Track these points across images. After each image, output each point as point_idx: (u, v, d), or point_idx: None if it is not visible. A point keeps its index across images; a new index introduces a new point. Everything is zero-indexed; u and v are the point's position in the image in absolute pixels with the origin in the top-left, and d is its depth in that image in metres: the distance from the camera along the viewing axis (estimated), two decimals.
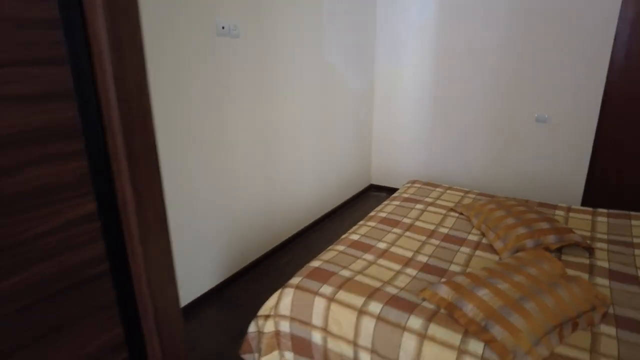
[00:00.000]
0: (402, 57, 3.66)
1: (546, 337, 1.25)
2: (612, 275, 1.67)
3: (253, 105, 2.42)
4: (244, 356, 1.67)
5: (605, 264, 1.76)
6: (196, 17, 1.93)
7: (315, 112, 3.04)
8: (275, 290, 1.78)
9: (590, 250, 1.85)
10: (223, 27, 2.04)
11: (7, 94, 0.74)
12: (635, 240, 1.95)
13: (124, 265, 1.01)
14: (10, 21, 0.73)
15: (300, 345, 1.54)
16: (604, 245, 1.92)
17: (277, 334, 1.58)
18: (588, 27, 2.92)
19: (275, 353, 1.59)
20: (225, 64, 2.15)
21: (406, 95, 3.74)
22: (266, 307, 1.61)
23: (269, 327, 1.58)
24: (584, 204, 3.28)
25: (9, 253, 0.79)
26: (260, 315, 1.61)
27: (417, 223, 2.17)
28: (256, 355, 1.63)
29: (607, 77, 3.02)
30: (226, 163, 2.29)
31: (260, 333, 1.60)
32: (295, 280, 1.62)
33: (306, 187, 3.09)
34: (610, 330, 1.34)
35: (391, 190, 3.94)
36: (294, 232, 3.03)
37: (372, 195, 3.98)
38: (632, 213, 2.23)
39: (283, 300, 1.57)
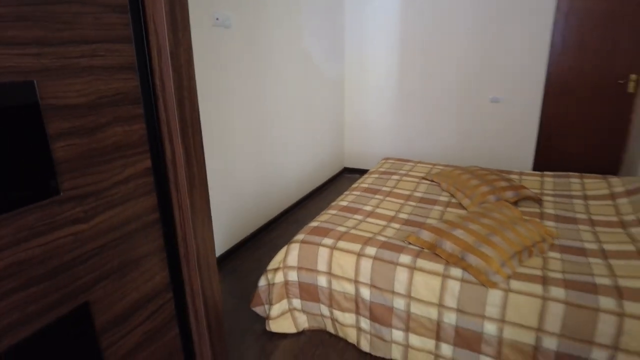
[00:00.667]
0: (369, 47, 3.96)
1: (510, 260, 1.57)
2: (557, 218, 2.05)
3: (246, 91, 2.62)
4: (255, 309, 1.90)
5: (552, 211, 2.13)
6: (194, 9, 2.11)
7: (297, 100, 3.28)
8: (271, 258, 1.98)
9: (539, 202, 2.22)
10: (217, 19, 2.23)
11: (96, 65, 0.94)
12: (573, 193, 2.35)
13: (170, 215, 1.23)
14: (103, 6, 0.93)
15: (307, 290, 1.79)
16: (550, 198, 2.30)
17: (286, 283, 1.81)
18: (531, 19, 3.34)
19: (284, 301, 1.83)
20: (220, 52, 2.34)
21: (374, 83, 4.05)
22: (275, 261, 1.84)
23: (278, 278, 1.81)
24: (534, 169, 3.73)
25: (99, 195, 0.99)
26: (270, 269, 1.84)
27: (395, 190, 2.47)
28: (267, 306, 1.86)
29: (548, 60, 3.47)
30: (221, 147, 2.48)
31: (270, 285, 1.83)
32: (299, 236, 1.87)
33: (290, 170, 3.32)
34: (556, 255, 1.69)
35: (364, 172, 4.25)
36: (279, 211, 3.26)
37: (345, 177, 4.27)
38: (571, 173, 2.65)
39: (290, 254, 1.81)
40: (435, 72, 3.76)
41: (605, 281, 1.46)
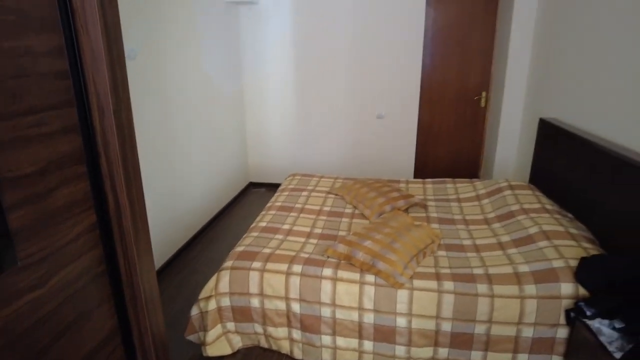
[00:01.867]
0: (265, 65, 4.15)
1: (410, 262, 1.91)
2: (440, 220, 2.50)
3: (152, 117, 2.60)
4: (189, 337, 1.95)
5: (435, 214, 2.58)
6: None
7: (200, 120, 3.31)
8: (193, 282, 2.03)
9: (425, 207, 2.67)
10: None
11: (43, 132, 0.99)
12: (450, 197, 2.86)
13: (115, 264, 1.28)
14: (46, 75, 0.98)
15: (241, 312, 1.92)
16: (433, 203, 2.77)
17: (220, 309, 1.91)
18: (406, 43, 3.88)
19: (219, 326, 1.93)
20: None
21: (272, 99, 4.25)
22: (206, 290, 1.92)
23: (211, 305, 1.90)
24: (415, 174, 4.32)
25: (53, 257, 1.02)
26: (202, 298, 1.92)
27: (307, 206, 2.70)
28: (201, 333, 1.93)
29: (421, 79, 4.07)
30: None
31: (203, 313, 1.91)
32: (228, 263, 1.97)
33: (198, 190, 3.34)
34: (443, 253, 2.09)
35: (269, 185, 4.43)
36: (193, 232, 3.26)
37: (252, 191, 4.39)
38: (446, 179, 3.19)
39: (222, 281, 1.91)
40: (327, 91, 4.12)
41: (480, 271, 1.88)
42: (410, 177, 4.25)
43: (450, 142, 4.38)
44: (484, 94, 4.17)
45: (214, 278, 1.94)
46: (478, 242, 2.21)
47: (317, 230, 2.36)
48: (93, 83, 1.11)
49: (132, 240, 1.26)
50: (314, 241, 2.22)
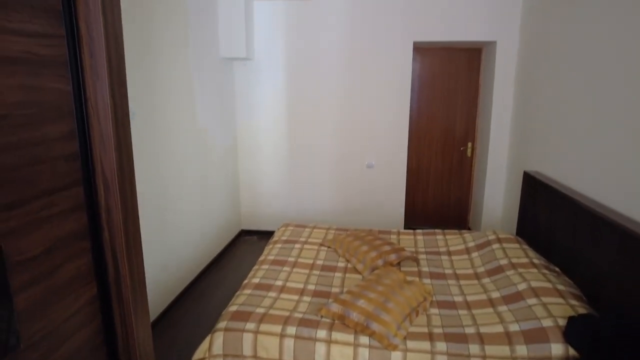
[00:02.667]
0: (258, 117, 4.29)
1: (403, 322, 1.93)
2: (431, 275, 2.54)
3: (146, 167, 2.66)
4: None
5: (427, 269, 2.62)
6: None
7: (193, 170, 3.37)
8: (185, 339, 1.99)
9: (417, 261, 2.71)
10: None
11: (53, 213, 1.04)
12: (440, 249, 2.92)
13: (113, 334, 1.29)
14: (58, 158, 1.04)
15: None
16: (424, 256, 2.82)
17: None
18: (393, 96, 4.06)
19: None
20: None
21: (265, 149, 4.36)
22: (200, 351, 1.90)
23: None
24: (406, 221, 4.38)
25: (53, 335, 1.04)
26: None
27: (300, 260, 2.73)
28: None
29: (409, 129, 4.22)
30: None
31: None
32: (222, 324, 1.97)
33: (190, 240, 3.34)
34: (435, 310, 2.12)
35: (260, 233, 4.44)
36: (184, 285, 3.23)
37: (244, 239, 4.40)
38: (436, 230, 3.26)
39: (215, 343, 1.90)
40: (318, 141, 4.25)
41: (471, 330, 1.91)
42: (401, 223, 4.31)
43: (439, 190, 4.49)
44: (469, 144, 4.33)
45: (207, 340, 1.93)
46: (469, 298, 2.24)
47: (311, 287, 2.38)
48: (100, 163, 1.18)
49: (131, 311, 1.27)
50: (308, 299, 2.23)
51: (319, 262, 2.71)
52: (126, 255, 1.24)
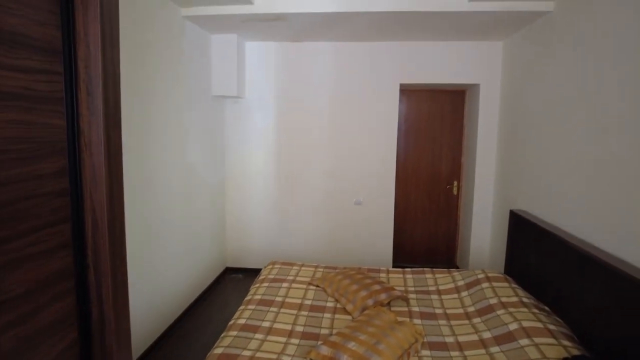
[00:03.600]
0: (248, 155, 4.31)
1: None
2: (422, 315, 2.50)
3: (132, 202, 2.62)
4: None
5: (417, 308, 2.58)
6: None
7: (180, 206, 3.32)
8: None
9: (407, 300, 2.67)
10: None
11: (40, 250, 1.01)
12: (430, 289, 2.89)
13: None
14: (49, 195, 1.02)
15: None
16: (414, 295, 2.78)
17: None
18: (380, 135, 4.14)
19: None
20: None
21: (254, 186, 4.35)
22: None
23: None
24: (394, 258, 4.35)
25: None
26: None
27: (287, 300, 2.66)
28: None
29: (396, 167, 4.28)
30: None
31: None
32: None
33: (173, 278, 3.25)
34: (427, 352, 2.07)
35: (246, 271, 4.35)
36: (167, 325, 3.10)
37: (229, 278, 4.29)
38: (425, 269, 3.23)
39: None
40: (307, 178, 4.27)
41: None
42: (389, 261, 4.28)
43: (426, 228, 4.50)
44: (455, 182, 4.40)
45: None
46: (460, 339, 2.20)
47: (299, 328, 2.31)
48: (90, 200, 1.16)
49: (113, 357, 1.21)
50: (296, 341, 2.16)
51: (307, 302, 2.65)
52: (112, 298, 1.19)
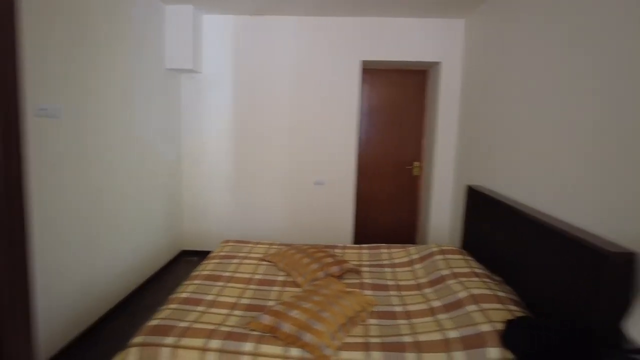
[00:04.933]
0: (205, 132, 4.14)
1: (338, 333, 1.80)
2: (374, 287, 2.44)
3: (77, 181, 2.44)
4: None
5: (369, 281, 2.52)
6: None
7: (132, 184, 3.14)
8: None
9: (359, 273, 2.61)
10: (43, 109, 2.09)
11: None
12: (383, 262, 2.84)
13: None
14: None
15: None
16: (367, 269, 2.73)
17: None
18: (342, 115, 4.06)
19: None
20: (48, 144, 2.17)
21: (210, 166, 4.19)
22: None
23: None
24: (356, 241, 4.31)
25: None
26: None
27: (236, 275, 2.55)
28: None
29: (358, 148, 4.22)
30: (50, 239, 2.18)
31: None
32: (138, 339, 1.75)
33: (124, 256, 3.08)
34: (375, 321, 2.01)
35: (202, 254, 4.19)
36: (114, 303, 2.94)
37: (184, 260, 4.13)
38: (381, 245, 3.18)
39: (128, 359, 1.67)
40: (266, 158, 4.14)
41: (409, 339, 1.81)
42: (350, 241, 4.22)
43: (388, 208, 4.47)
44: (416, 163, 4.39)
45: (119, 357, 1.70)
46: (410, 308, 2.16)
47: (245, 301, 2.20)
48: None
49: None
50: (239, 313, 2.06)
51: (257, 277, 2.55)
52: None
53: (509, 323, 1.76)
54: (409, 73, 4.28)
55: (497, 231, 2.59)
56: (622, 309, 1.48)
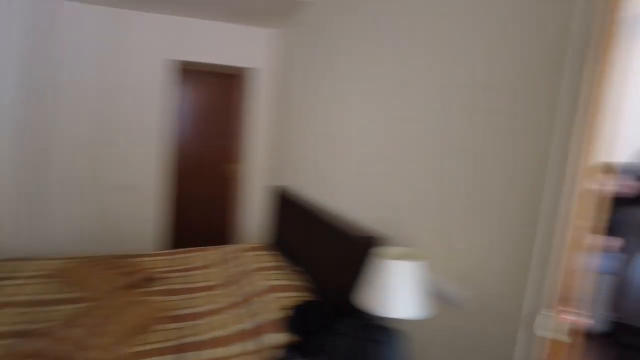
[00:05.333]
0: None
1: (120, 345, 1.68)
2: (178, 291, 2.38)
3: None
4: None
5: (175, 286, 2.46)
6: None
7: None
8: None
9: (154, 280, 2.49)
10: None
11: None
12: (196, 265, 2.80)
13: None
14: None
15: None
16: (176, 274, 2.64)
17: None
18: (154, 117, 3.81)
19: None
20: None
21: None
22: None
23: None
24: (175, 245, 4.09)
25: None
26: None
27: (2, 299, 2.12)
28: None
29: (176, 149, 4.04)
30: None
31: None
32: None
33: None
34: (174, 325, 1.96)
35: None
36: None
37: None
38: (195, 248, 3.13)
39: None
40: (63, 158, 3.59)
41: (205, 337, 1.85)
42: (165, 246, 4.00)
43: (206, 210, 4.40)
44: (231, 166, 4.41)
45: None
46: (214, 306, 2.19)
47: (16, 328, 1.85)
48: None
49: None
50: (5, 342, 1.72)
51: (32, 298, 2.17)
52: None
53: (295, 308, 1.93)
54: (228, 77, 4.29)
55: (298, 228, 2.82)
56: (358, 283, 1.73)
